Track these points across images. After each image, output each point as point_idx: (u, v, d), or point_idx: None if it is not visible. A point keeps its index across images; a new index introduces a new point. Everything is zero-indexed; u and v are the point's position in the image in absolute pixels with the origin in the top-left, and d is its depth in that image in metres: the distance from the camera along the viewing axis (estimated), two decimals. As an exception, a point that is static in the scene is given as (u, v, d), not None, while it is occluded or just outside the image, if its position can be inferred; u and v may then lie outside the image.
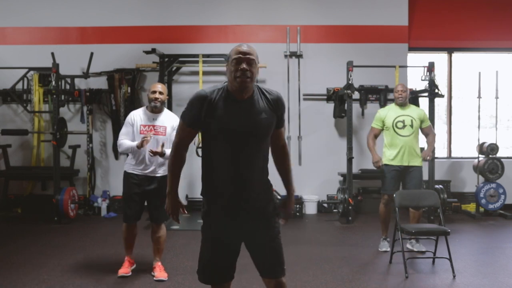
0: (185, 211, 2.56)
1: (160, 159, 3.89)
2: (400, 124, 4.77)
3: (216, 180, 2.33)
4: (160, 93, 3.89)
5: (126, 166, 4.01)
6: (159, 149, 3.73)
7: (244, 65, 2.21)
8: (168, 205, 2.43)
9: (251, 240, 2.40)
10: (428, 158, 4.94)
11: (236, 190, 2.31)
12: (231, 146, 2.27)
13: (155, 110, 3.93)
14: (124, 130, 3.97)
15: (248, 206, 2.34)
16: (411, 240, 4.90)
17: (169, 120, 3.97)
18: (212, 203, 2.37)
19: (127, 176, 3.99)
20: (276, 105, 2.34)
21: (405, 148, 4.73)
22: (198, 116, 2.26)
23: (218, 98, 2.28)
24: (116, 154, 7.15)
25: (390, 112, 4.88)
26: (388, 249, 4.65)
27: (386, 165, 4.83)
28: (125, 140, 3.91)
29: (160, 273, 4.01)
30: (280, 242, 2.41)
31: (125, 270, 4.07)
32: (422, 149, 5.01)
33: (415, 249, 4.81)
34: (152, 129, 3.89)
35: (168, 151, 3.67)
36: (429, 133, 4.97)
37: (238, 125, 2.25)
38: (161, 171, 3.97)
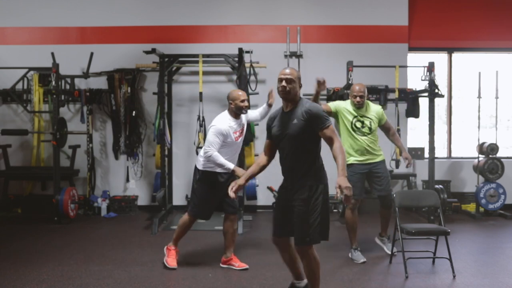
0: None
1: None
2: (358, 124, 4.55)
3: (281, 167, 3.25)
4: (247, 100, 4.17)
5: (209, 166, 4.10)
6: None
7: (283, 83, 3.09)
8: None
9: (292, 210, 3.14)
10: (410, 161, 4.73)
11: (287, 174, 3.20)
12: (278, 145, 3.23)
13: (239, 116, 4.17)
14: (217, 139, 4.01)
15: (292, 184, 3.15)
16: (383, 237, 4.87)
17: (244, 119, 4.27)
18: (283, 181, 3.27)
19: (213, 175, 4.12)
20: (307, 115, 3.05)
21: (365, 147, 4.55)
22: (269, 132, 3.30)
23: (276, 114, 3.25)
24: (116, 154, 7.14)
25: (348, 108, 4.58)
26: (365, 260, 4.46)
27: (349, 165, 4.54)
28: (222, 158, 4.00)
29: (241, 263, 4.24)
30: (308, 217, 3.05)
31: (173, 262, 4.26)
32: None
33: (385, 249, 4.77)
34: (240, 134, 4.19)
35: None
36: (389, 128, 4.77)
37: (277, 130, 3.18)
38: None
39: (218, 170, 4.09)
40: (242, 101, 4.07)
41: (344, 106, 4.63)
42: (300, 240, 3.08)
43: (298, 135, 3.07)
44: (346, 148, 4.56)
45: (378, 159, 4.64)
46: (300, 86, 3.17)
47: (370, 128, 4.57)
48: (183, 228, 4.30)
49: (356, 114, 4.57)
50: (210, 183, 4.14)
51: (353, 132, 4.56)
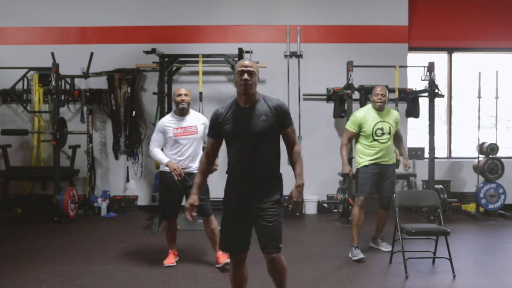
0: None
1: (196, 158, 4.22)
2: (379, 132, 4.61)
3: (233, 169, 2.90)
4: (185, 95, 4.20)
5: (162, 167, 4.24)
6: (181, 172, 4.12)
7: (245, 76, 2.78)
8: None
9: (253, 218, 2.87)
10: (408, 169, 4.97)
11: (247, 176, 2.84)
12: (236, 145, 2.85)
13: (183, 112, 4.22)
14: (155, 136, 4.25)
15: (252, 190, 2.83)
16: (376, 239, 4.95)
17: (198, 119, 4.31)
18: (229, 183, 2.94)
19: (166, 175, 4.21)
20: (276, 111, 2.83)
21: (382, 152, 4.64)
22: (216, 129, 2.91)
23: (227, 111, 2.87)
24: (116, 154, 7.15)
25: (368, 117, 4.64)
26: (364, 257, 4.49)
27: (363, 167, 4.68)
28: (160, 153, 4.18)
29: (223, 258, 4.19)
30: (276, 224, 2.84)
31: (171, 260, 4.34)
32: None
33: (382, 248, 4.85)
34: (184, 131, 4.19)
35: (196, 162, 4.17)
36: (399, 136, 4.89)
37: (235, 127, 2.83)
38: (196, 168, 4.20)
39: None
40: (179, 95, 4.18)
41: (364, 115, 4.65)
42: (275, 247, 2.85)
43: (267, 133, 2.81)
44: (363, 153, 4.68)
45: (390, 162, 4.75)
46: (258, 80, 2.89)
47: (389, 133, 4.65)
48: (166, 230, 4.44)
49: (379, 119, 4.62)
50: (164, 183, 4.27)
51: (373, 140, 4.63)
